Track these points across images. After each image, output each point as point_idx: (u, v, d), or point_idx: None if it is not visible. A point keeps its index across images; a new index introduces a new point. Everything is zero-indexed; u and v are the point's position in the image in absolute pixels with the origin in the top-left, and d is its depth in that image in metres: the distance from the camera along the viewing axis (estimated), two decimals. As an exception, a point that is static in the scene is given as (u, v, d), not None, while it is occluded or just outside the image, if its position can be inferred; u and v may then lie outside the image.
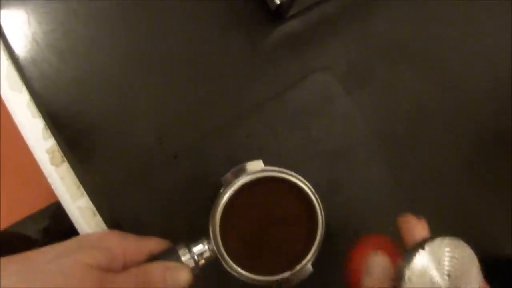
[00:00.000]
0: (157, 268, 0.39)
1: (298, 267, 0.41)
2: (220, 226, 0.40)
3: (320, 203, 0.42)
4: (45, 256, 0.38)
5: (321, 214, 0.42)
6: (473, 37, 0.54)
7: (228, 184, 0.41)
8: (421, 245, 0.32)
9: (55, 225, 1.05)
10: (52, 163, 0.47)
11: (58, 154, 0.47)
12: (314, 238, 0.41)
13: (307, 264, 0.41)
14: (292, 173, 0.42)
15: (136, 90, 0.48)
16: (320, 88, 0.50)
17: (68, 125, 0.47)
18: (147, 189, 0.47)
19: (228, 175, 0.42)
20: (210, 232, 0.40)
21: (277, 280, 0.41)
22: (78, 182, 0.47)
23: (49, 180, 0.47)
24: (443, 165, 0.53)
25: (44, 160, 0.47)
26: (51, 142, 0.47)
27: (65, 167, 0.47)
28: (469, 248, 0.33)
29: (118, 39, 0.49)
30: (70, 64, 0.48)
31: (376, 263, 0.37)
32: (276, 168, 0.42)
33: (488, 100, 0.54)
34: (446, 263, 0.32)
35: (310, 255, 0.41)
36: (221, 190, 0.41)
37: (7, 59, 0.48)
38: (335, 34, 0.51)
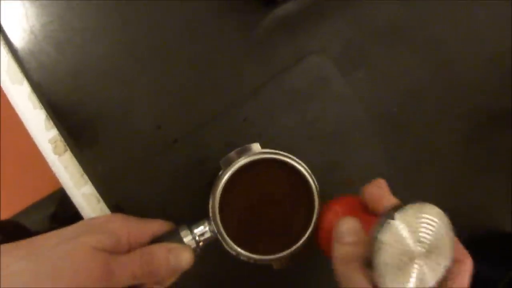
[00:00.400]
0: (160, 249, 0.41)
1: (295, 246, 0.42)
2: (220, 207, 0.42)
3: (317, 184, 0.43)
4: (52, 241, 0.39)
5: (318, 195, 0.43)
6: (467, 17, 0.55)
7: (227, 166, 0.42)
8: (395, 210, 0.32)
9: (62, 211, 1.07)
10: (55, 153, 0.48)
11: (61, 143, 0.48)
12: (311, 219, 0.43)
13: (305, 243, 0.43)
14: (289, 155, 0.43)
15: (134, 79, 0.49)
16: (315, 71, 0.51)
17: (69, 115, 0.48)
18: (149, 175, 0.48)
19: (227, 158, 0.43)
20: (210, 213, 0.42)
21: (275, 259, 0.42)
22: (81, 170, 0.48)
23: (53, 169, 0.49)
24: (438, 144, 0.54)
25: (47, 149, 0.48)
26: (53, 132, 0.48)
27: (68, 156, 0.48)
28: (445, 216, 0.34)
29: (114, 29, 0.49)
30: (68, 55, 0.49)
31: (346, 228, 0.36)
32: (273, 151, 0.43)
33: (482, 79, 0.55)
34: (421, 230, 0.33)
35: (307, 235, 0.42)
36: (220, 172, 0.42)
37: (7, 53, 0.49)
38: (328, 16, 0.52)
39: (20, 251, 0.38)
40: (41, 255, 0.38)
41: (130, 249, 0.41)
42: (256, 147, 0.44)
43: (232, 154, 0.43)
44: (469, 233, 0.55)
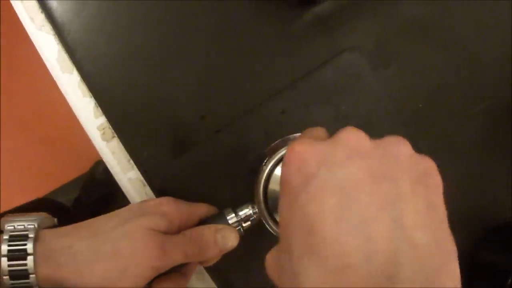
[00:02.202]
0: (209, 230, 0.44)
1: None
2: (264, 192, 0.45)
3: None
4: (111, 223, 0.42)
5: None
6: (491, 16, 0.58)
7: (271, 155, 0.45)
8: None
9: (86, 196, 1.10)
10: (104, 139, 0.51)
11: (109, 130, 0.51)
12: None
13: None
14: None
15: (179, 70, 0.52)
16: (349, 67, 0.54)
17: (117, 103, 0.51)
18: (193, 162, 0.51)
19: (271, 147, 0.46)
20: (255, 197, 0.45)
21: None
22: (128, 156, 0.51)
23: (101, 154, 0.51)
24: (459, 137, 0.57)
25: (96, 136, 0.51)
26: (102, 119, 0.51)
27: (116, 142, 0.51)
28: None
29: (160, 23, 0.52)
30: (116, 47, 0.52)
31: None
32: None
33: (503, 77, 0.58)
34: None
35: None
36: (265, 160, 0.45)
37: (58, 43, 0.51)
38: (362, 15, 0.55)
39: (81, 232, 0.42)
40: (102, 235, 0.41)
41: (180, 230, 0.45)
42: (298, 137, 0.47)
43: (276, 143, 0.46)
44: (484, 224, 0.58)
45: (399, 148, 0.29)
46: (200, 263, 0.47)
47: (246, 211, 0.46)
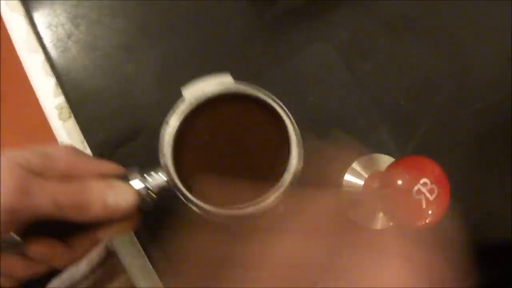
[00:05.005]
0: (98, 183, 0.37)
1: (261, 200, 0.37)
2: (175, 154, 0.37)
3: (297, 127, 0.38)
4: None
5: (297, 138, 0.38)
6: (481, 9, 0.53)
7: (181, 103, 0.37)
8: None
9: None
10: (60, 118, 0.50)
11: (66, 110, 0.50)
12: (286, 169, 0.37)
13: (274, 199, 0.37)
14: (263, 90, 0.38)
15: (143, 54, 0.51)
16: (319, 57, 0.51)
17: (78, 85, 0.50)
18: (144, 147, 0.49)
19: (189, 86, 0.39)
20: (161, 162, 0.37)
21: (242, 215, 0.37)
22: (82, 137, 0.50)
23: (56, 133, 0.50)
24: (448, 140, 0.51)
25: (53, 115, 0.51)
26: (60, 99, 0.51)
27: (72, 123, 0.50)
28: None
29: (129, 7, 0.52)
30: (82, 30, 0.51)
31: None
32: (244, 85, 0.38)
33: (499, 78, 0.52)
34: None
35: (279, 190, 0.37)
36: (168, 114, 0.38)
37: (27, 25, 0.52)
38: (339, 5, 0.52)
39: None
40: None
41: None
42: (225, 78, 0.39)
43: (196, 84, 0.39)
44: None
45: None
46: (112, 233, 0.39)
47: (156, 177, 0.38)
